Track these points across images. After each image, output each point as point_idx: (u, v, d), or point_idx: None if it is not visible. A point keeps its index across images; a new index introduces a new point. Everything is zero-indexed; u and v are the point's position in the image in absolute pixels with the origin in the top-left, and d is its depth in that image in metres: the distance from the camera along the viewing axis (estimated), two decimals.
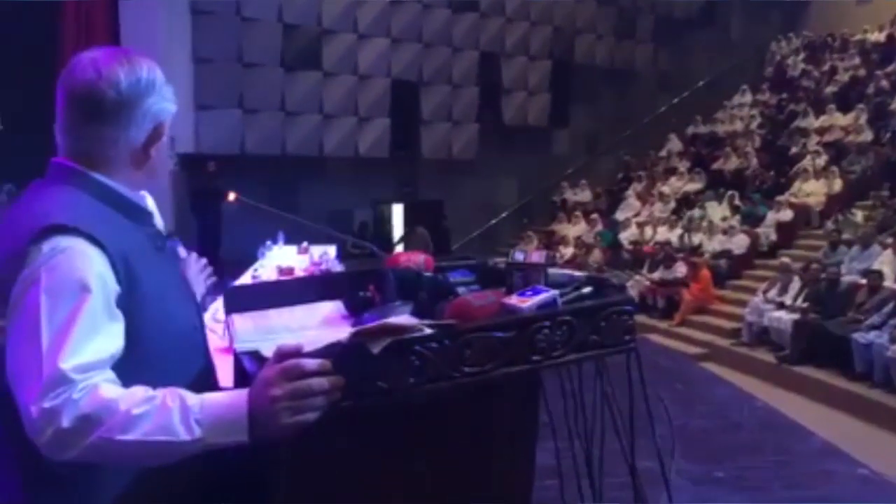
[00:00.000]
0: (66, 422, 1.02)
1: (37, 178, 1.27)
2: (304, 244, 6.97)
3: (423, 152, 13.71)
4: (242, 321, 1.59)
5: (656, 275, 10.78)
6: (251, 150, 11.68)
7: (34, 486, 1.17)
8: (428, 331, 1.23)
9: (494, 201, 14.60)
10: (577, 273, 1.53)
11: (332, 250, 6.91)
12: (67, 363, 1.05)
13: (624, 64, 15.83)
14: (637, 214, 13.24)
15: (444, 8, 13.61)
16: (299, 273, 5.38)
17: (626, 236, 12.56)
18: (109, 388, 1.07)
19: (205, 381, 1.29)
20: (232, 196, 1.52)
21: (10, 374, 1.09)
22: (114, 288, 1.15)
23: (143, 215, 1.32)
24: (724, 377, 6.87)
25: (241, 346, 1.41)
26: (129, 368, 1.12)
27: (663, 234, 11.98)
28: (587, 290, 1.44)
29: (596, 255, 12.14)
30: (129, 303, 1.16)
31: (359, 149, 12.94)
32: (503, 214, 14.81)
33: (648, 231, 12.33)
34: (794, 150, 12.69)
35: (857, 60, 14.30)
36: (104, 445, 1.04)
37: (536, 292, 1.38)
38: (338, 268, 6.03)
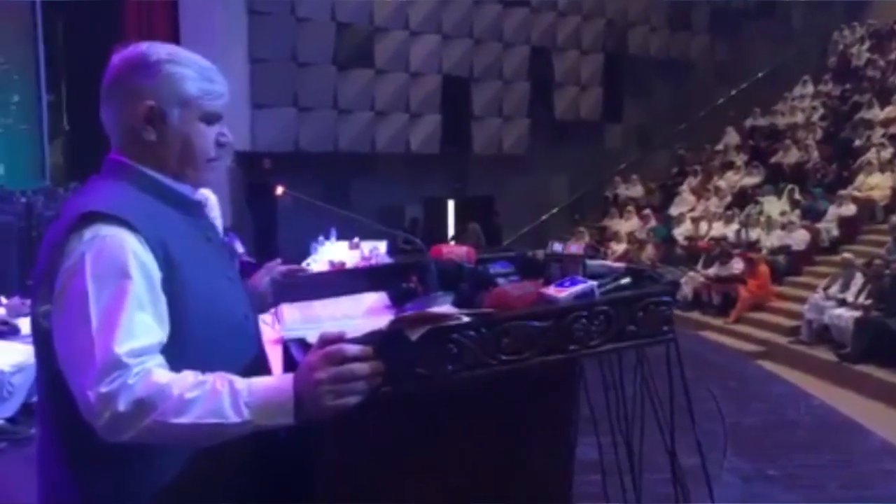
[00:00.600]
0: (122, 406, 1.07)
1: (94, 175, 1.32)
2: (356, 240, 7.09)
3: (474, 148, 13.72)
4: (291, 311, 1.65)
5: (711, 271, 10.56)
6: (305, 147, 11.90)
7: (83, 466, 1.20)
8: (466, 319, 1.26)
9: (546, 197, 14.51)
10: (617, 264, 1.54)
11: (382, 246, 7.02)
12: (122, 347, 1.09)
13: (679, 56, 15.52)
14: (692, 209, 12.98)
15: (494, 3, 13.58)
16: (350, 268, 5.48)
17: (680, 232, 12.33)
18: (162, 372, 1.11)
19: (256, 368, 1.32)
20: (280, 190, 1.56)
21: (62, 360, 1.13)
22: (156, 273, 1.18)
23: (190, 206, 1.34)
24: (781, 375, 6.72)
25: (288, 335, 1.46)
26: (174, 352, 1.16)
27: (719, 229, 11.72)
28: (625, 280, 1.45)
29: (649, 251, 11.97)
30: (171, 288, 1.19)
31: (410, 145, 13.03)
32: (554, 210, 14.70)
33: (703, 226, 12.08)
34: (857, 142, 12.26)
35: None
36: (158, 428, 1.08)
37: (574, 283, 1.40)
38: (386, 262, 6.12)
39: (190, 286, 1.22)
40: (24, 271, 5.42)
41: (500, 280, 1.55)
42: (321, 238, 7.30)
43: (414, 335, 1.20)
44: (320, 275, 2.27)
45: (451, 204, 12.94)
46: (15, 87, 8.63)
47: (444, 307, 1.35)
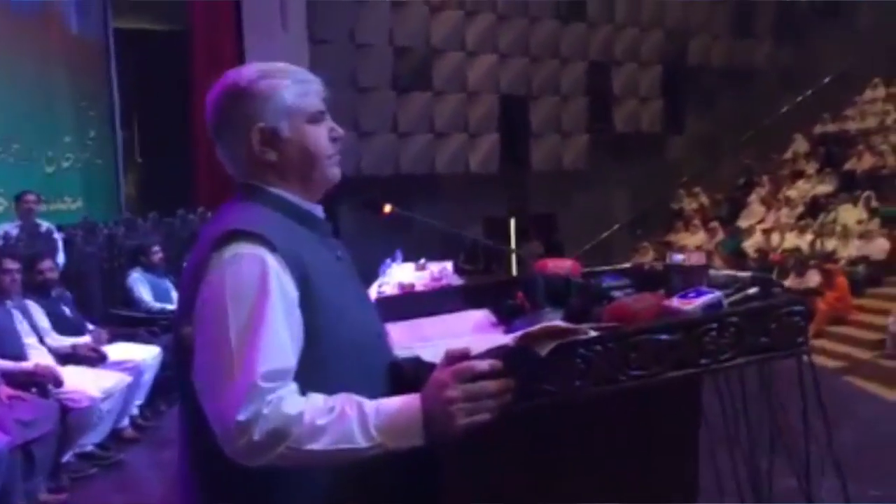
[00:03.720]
0: (257, 435, 1.07)
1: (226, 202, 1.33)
2: (422, 261, 7.10)
3: (533, 165, 13.66)
4: (397, 330, 1.62)
5: (786, 284, 10.20)
6: (367, 170, 12.03)
7: (213, 488, 1.20)
8: (593, 333, 1.21)
9: (607, 212, 14.30)
10: (741, 273, 1.47)
11: (449, 266, 7.02)
12: (259, 371, 1.08)
13: (742, 63, 15.17)
14: (762, 221, 12.61)
15: (551, 20, 13.55)
16: (420, 289, 5.48)
17: (750, 244, 11.97)
18: (294, 399, 1.10)
19: (391, 387, 1.28)
20: (388, 208, 1.55)
21: (198, 383, 1.12)
22: (293, 292, 1.17)
23: (318, 224, 1.33)
24: (869, 391, 6.40)
25: (400, 353, 1.44)
26: (308, 370, 1.15)
27: (791, 240, 11.33)
28: (753, 290, 1.38)
29: (717, 265, 11.64)
30: (306, 306, 1.18)
31: (469, 165, 13.06)
32: (616, 226, 14.48)
33: (775, 238, 11.70)
34: None
35: None
36: (291, 455, 1.08)
37: (700, 294, 1.34)
38: (457, 282, 6.10)
39: (323, 305, 1.20)
40: (106, 301, 5.59)
41: (616, 293, 1.50)
42: (388, 260, 7.34)
43: (543, 351, 1.16)
44: (421, 294, 2.25)
45: (512, 223, 12.88)
46: (92, 123, 8.97)
47: (556, 322, 1.31)
